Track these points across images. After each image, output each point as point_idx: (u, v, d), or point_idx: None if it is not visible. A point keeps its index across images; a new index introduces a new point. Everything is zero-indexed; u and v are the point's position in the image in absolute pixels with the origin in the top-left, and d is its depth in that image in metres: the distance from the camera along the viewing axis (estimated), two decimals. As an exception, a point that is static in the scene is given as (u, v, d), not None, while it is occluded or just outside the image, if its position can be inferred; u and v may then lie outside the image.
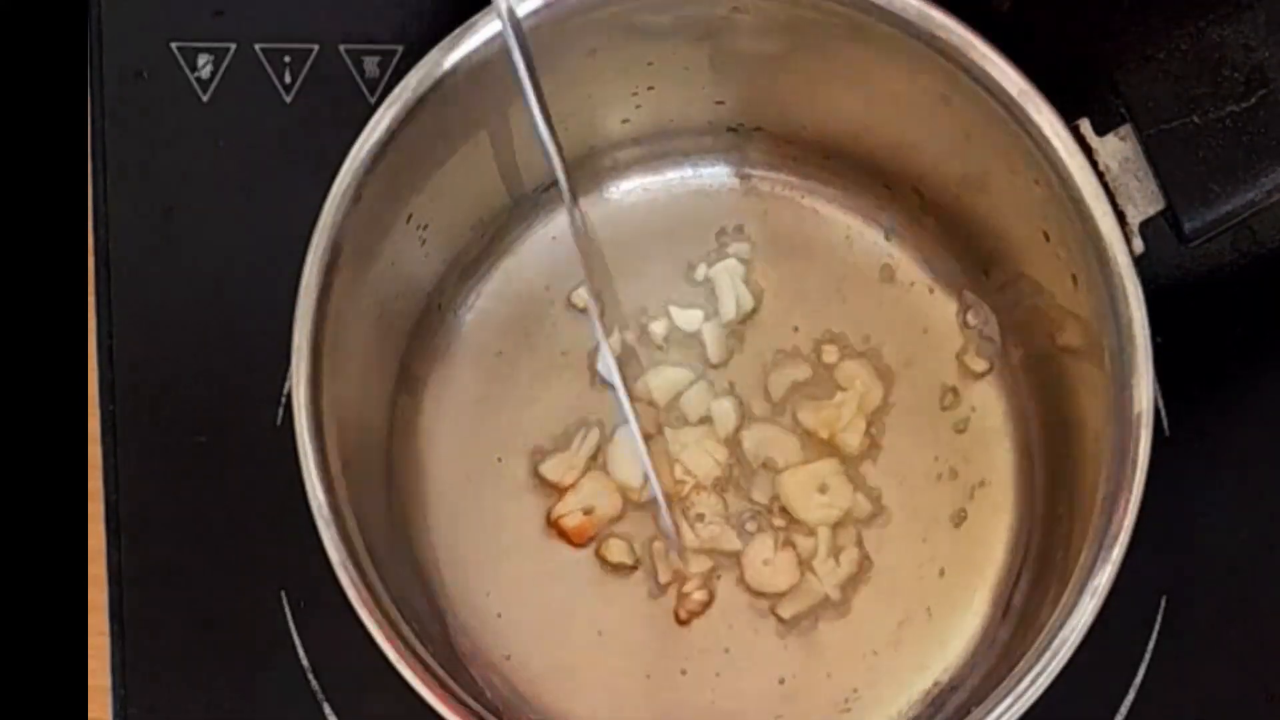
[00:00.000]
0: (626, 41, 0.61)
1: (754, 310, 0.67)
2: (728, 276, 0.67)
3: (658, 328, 0.67)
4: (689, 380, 0.66)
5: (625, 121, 0.65)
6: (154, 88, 0.69)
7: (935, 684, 0.64)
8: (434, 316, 0.66)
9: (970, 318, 0.66)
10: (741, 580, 0.65)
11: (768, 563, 0.65)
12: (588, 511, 0.65)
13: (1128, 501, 0.56)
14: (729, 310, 0.66)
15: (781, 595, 0.65)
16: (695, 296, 0.67)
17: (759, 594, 0.65)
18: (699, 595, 0.65)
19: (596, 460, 0.66)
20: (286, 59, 0.69)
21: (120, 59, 0.69)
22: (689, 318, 0.67)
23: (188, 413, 0.68)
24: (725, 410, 0.66)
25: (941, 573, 0.65)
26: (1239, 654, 0.66)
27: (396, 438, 0.65)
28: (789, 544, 0.65)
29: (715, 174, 0.68)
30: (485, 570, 0.65)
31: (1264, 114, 0.57)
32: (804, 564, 0.65)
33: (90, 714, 0.66)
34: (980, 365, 0.66)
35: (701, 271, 0.67)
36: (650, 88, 0.64)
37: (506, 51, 0.57)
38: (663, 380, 0.66)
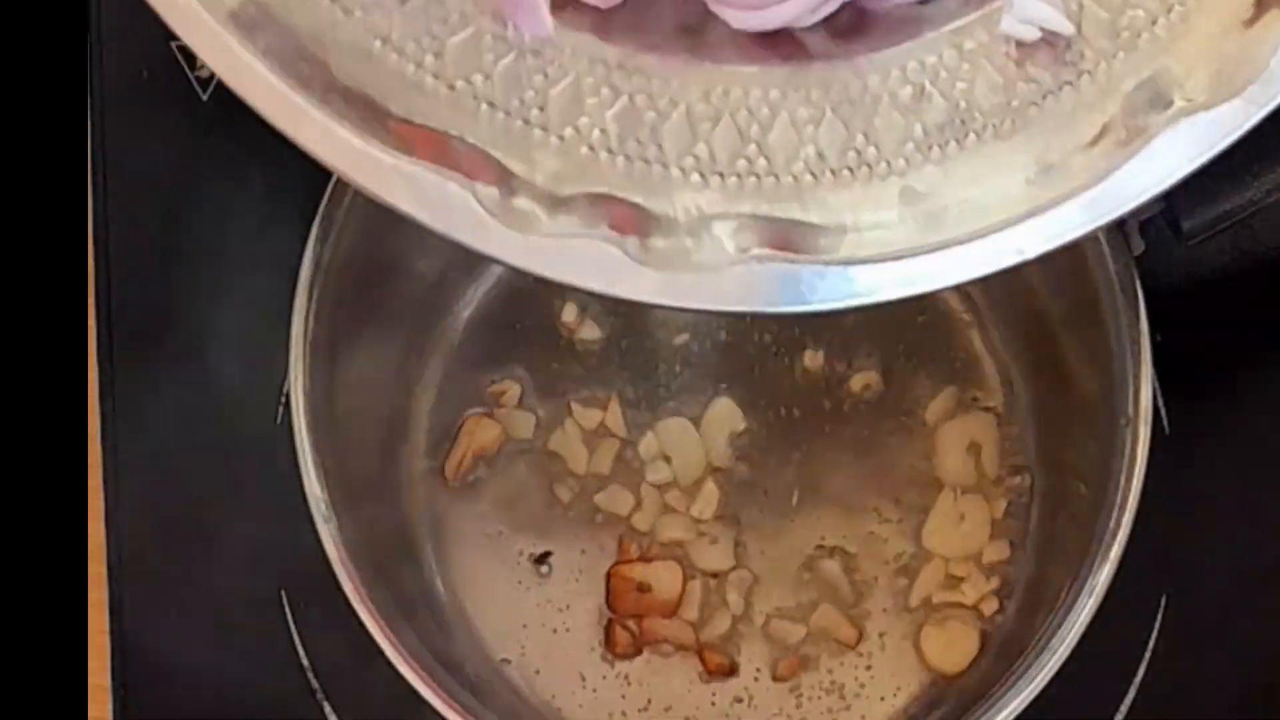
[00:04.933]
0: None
1: None
2: None
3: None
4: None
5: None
6: (154, 88, 0.69)
7: (934, 682, 0.64)
8: (433, 313, 0.66)
9: None
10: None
11: None
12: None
13: (1127, 501, 0.56)
14: None
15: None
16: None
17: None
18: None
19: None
20: (286, 58, 0.69)
21: (120, 59, 0.69)
22: None
23: (188, 413, 0.68)
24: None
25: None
26: (1239, 654, 0.66)
27: (396, 437, 0.65)
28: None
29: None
30: (484, 570, 0.66)
31: (1264, 113, 0.57)
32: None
33: (90, 714, 0.66)
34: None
35: None
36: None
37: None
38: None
